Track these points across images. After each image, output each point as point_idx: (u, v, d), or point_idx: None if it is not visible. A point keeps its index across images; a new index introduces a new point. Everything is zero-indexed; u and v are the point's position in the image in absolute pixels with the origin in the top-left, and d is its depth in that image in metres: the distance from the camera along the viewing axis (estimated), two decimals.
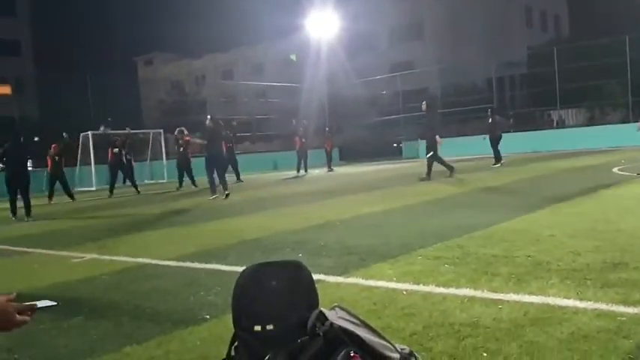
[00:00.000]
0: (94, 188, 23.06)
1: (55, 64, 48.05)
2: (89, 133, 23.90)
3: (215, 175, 13.00)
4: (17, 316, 1.37)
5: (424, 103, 14.82)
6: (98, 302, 4.02)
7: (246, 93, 46.02)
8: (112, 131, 21.31)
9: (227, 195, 12.66)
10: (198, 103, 44.14)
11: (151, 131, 27.09)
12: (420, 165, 22.45)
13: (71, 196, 16.57)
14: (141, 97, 52.05)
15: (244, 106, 41.11)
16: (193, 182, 18.19)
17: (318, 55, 36.30)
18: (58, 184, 16.50)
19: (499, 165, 17.85)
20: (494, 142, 18.64)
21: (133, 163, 20.28)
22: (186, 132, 18.23)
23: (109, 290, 4.40)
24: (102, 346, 3.00)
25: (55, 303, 1.50)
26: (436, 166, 14.01)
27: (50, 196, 16.46)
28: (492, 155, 18.68)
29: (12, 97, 38.26)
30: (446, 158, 17.08)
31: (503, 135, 19.38)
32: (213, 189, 12.84)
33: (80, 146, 24.48)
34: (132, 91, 46.49)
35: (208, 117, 13.78)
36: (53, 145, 16.97)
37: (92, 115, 29.95)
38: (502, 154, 18.49)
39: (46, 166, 17.22)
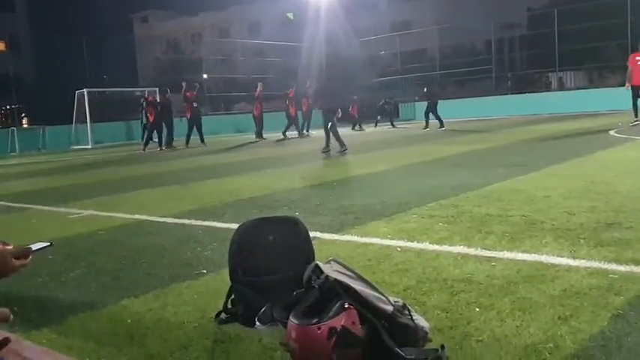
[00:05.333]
0: (89, 146, 23.03)
1: (50, 21, 47.32)
2: (84, 90, 23.71)
3: None
4: (15, 260, 1.37)
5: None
6: (96, 257, 4.05)
7: (243, 52, 45.55)
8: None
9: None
10: (195, 62, 43.62)
11: (147, 89, 26.83)
12: (416, 126, 22.42)
13: (169, 144, 18.69)
14: (136, 55, 51.39)
15: (241, 65, 40.68)
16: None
17: (317, 13, 35.70)
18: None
19: (430, 129, 19.27)
20: (433, 109, 20.03)
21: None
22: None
23: (106, 245, 4.44)
24: (100, 299, 3.04)
25: (48, 243, 1.50)
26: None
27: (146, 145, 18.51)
28: (480, 118, 19.59)
29: (6, 53, 37.73)
30: (445, 120, 17.04)
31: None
32: None
33: (75, 104, 24.35)
34: (127, 49, 45.84)
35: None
36: (150, 98, 19.40)
37: (87, 73, 29.65)
38: (501, 116, 18.89)
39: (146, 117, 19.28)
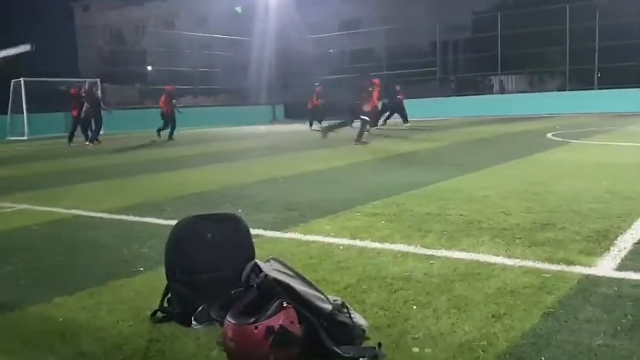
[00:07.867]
0: (25, 137, 22.21)
1: None
2: (21, 79, 22.84)
3: None
4: None
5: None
6: (30, 252, 3.90)
7: (190, 44, 44.73)
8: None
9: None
10: (138, 53, 42.56)
11: (87, 80, 26.02)
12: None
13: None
14: (77, 45, 49.83)
15: (187, 58, 39.94)
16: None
17: (267, 8, 35.45)
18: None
19: (408, 124, 20.15)
20: (402, 108, 21.07)
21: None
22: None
23: (41, 240, 4.29)
24: (32, 297, 2.92)
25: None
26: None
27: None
28: (424, 119, 20.43)
29: None
30: (391, 120, 17.34)
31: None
32: None
33: (11, 94, 23.42)
34: (67, 38, 44.42)
35: None
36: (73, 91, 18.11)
37: (26, 61, 28.52)
38: (445, 117, 19.61)
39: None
